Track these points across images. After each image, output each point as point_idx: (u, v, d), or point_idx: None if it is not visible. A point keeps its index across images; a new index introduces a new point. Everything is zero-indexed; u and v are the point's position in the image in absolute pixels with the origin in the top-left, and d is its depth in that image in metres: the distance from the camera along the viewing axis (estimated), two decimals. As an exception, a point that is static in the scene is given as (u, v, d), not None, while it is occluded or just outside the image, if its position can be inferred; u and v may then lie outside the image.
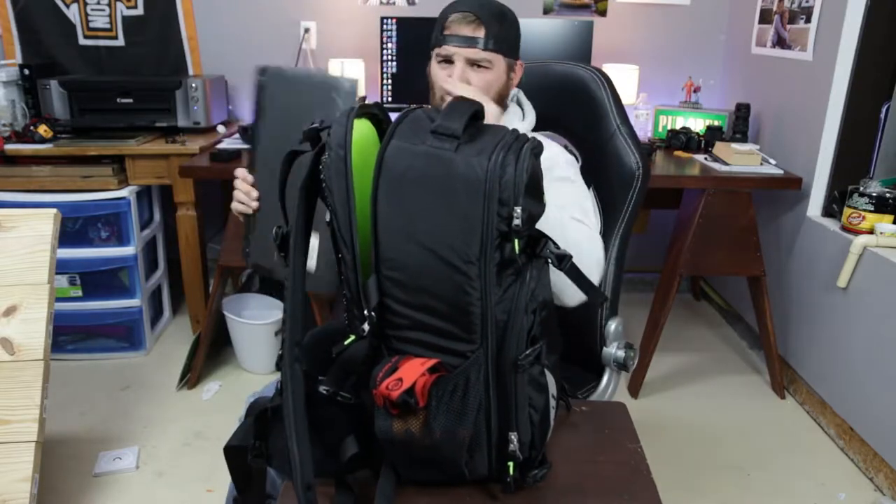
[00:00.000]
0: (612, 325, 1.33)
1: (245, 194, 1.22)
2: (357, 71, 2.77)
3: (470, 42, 1.17)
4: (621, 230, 1.37)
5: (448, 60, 1.20)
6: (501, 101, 1.24)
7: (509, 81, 1.25)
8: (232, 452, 0.89)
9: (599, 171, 1.39)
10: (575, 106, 1.42)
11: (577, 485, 0.88)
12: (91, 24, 2.88)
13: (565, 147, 1.34)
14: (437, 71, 1.22)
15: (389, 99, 2.78)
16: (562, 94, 1.44)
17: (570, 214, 1.14)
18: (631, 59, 2.89)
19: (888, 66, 2.16)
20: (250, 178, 1.22)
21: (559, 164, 1.22)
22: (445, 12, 1.20)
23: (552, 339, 0.86)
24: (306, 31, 2.92)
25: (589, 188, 1.27)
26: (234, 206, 1.25)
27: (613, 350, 1.30)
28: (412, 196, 0.77)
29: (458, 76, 1.18)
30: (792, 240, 2.46)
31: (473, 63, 1.19)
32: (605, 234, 1.41)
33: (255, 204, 1.21)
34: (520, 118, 1.30)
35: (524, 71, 1.29)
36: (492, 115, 1.14)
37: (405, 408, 0.77)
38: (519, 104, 1.33)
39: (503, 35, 1.18)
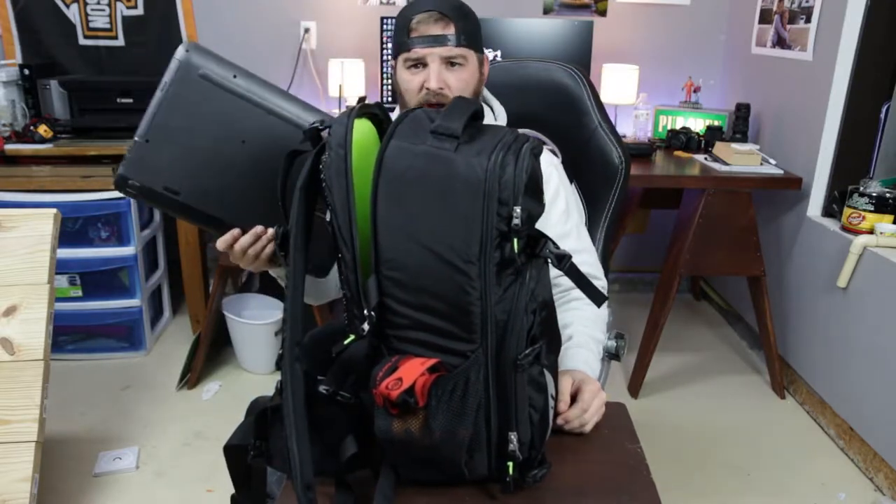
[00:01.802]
0: None
1: (257, 242, 0.98)
2: (357, 71, 2.77)
3: (441, 40, 1.12)
4: (606, 223, 1.39)
5: (418, 64, 1.14)
6: (477, 99, 1.21)
7: (481, 77, 1.21)
8: (232, 452, 0.89)
9: (582, 167, 1.41)
10: (554, 103, 1.43)
11: (576, 485, 0.88)
12: (91, 24, 2.88)
13: (547, 147, 1.34)
14: (407, 77, 1.15)
15: (389, 99, 2.78)
16: (540, 92, 1.45)
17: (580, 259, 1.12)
18: (631, 59, 2.89)
19: (888, 66, 2.16)
20: (237, 231, 0.98)
21: (551, 181, 1.20)
22: (407, 15, 1.14)
23: (552, 338, 0.86)
24: (306, 31, 2.91)
25: (571, 182, 1.26)
26: (260, 264, 1.01)
27: (605, 340, 1.30)
28: (412, 196, 0.77)
29: (436, 78, 1.12)
30: (792, 240, 2.46)
31: (447, 62, 1.13)
32: (591, 227, 1.43)
33: (270, 234, 0.98)
34: (492, 118, 1.26)
35: (500, 69, 1.27)
36: None
37: (405, 407, 0.77)
38: (486, 101, 1.29)
39: (471, 30, 1.14)
